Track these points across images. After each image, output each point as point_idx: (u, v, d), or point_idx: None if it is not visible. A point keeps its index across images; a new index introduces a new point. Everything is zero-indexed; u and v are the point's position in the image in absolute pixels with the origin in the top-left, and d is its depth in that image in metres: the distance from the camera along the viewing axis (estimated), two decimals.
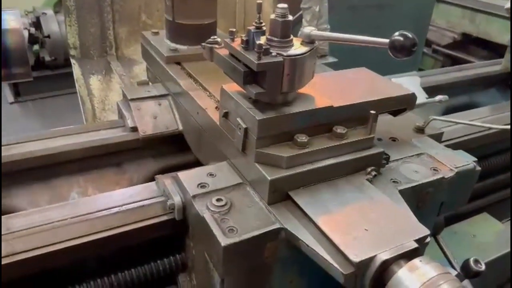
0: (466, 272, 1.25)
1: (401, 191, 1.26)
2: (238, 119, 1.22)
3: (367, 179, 1.26)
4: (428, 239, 1.08)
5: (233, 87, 1.27)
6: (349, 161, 1.25)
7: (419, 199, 1.33)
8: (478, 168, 1.46)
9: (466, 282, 1.28)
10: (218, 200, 1.18)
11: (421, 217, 1.16)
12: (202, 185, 1.24)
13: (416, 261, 0.99)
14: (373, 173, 1.28)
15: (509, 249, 1.91)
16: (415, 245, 1.03)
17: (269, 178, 1.15)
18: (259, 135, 1.17)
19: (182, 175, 1.29)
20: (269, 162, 1.19)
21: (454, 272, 1.31)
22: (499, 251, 1.90)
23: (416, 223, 1.12)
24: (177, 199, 1.28)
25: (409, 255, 1.01)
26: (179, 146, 1.84)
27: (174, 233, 1.37)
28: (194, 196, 1.20)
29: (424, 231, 1.08)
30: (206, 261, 1.21)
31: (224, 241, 1.05)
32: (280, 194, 1.18)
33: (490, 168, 2.23)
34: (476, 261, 1.25)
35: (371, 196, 1.20)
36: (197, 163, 1.71)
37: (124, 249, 1.34)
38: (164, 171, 1.76)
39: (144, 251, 1.40)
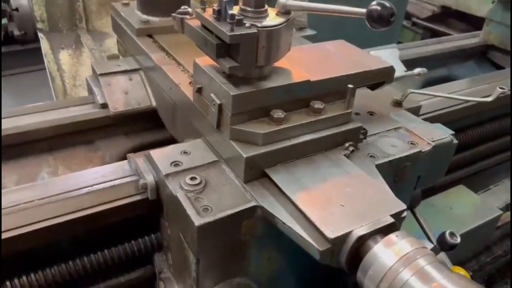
0: (442, 245, 1.26)
1: (378, 166, 1.25)
2: (212, 95, 1.17)
3: (345, 155, 1.24)
4: (405, 213, 1.07)
5: (206, 61, 1.22)
6: (327, 137, 1.23)
7: (396, 173, 1.32)
8: (455, 141, 1.46)
9: (442, 254, 1.30)
10: (192, 178, 1.14)
11: (398, 191, 1.15)
12: (175, 164, 1.20)
13: (392, 236, 0.98)
14: (351, 148, 1.26)
15: (484, 220, 1.95)
16: (391, 220, 1.02)
17: (244, 156, 1.11)
18: (234, 111, 1.13)
19: (155, 153, 1.25)
20: (244, 139, 1.15)
21: (431, 245, 1.33)
22: (475, 222, 1.94)
23: (392, 197, 1.11)
24: (149, 178, 1.24)
25: (385, 230, 1.00)
26: (153, 123, 1.78)
27: (148, 213, 1.33)
28: (167, 175, 1.16)
29: (400, 205, 1.08)
30: (181, 241, 1.18)
31: (198, 220, 1.02)
32: (256, 172, 1.16)
33: (467, 140, 2.25)
34: (452, 234, 1.26)
35: (348, 171, 1.18)
36: (172, 141, 1.66)
37: (97, 230, 1.30)
38: (137, 149, 1.71)
39: (118, 231, 1.36)
